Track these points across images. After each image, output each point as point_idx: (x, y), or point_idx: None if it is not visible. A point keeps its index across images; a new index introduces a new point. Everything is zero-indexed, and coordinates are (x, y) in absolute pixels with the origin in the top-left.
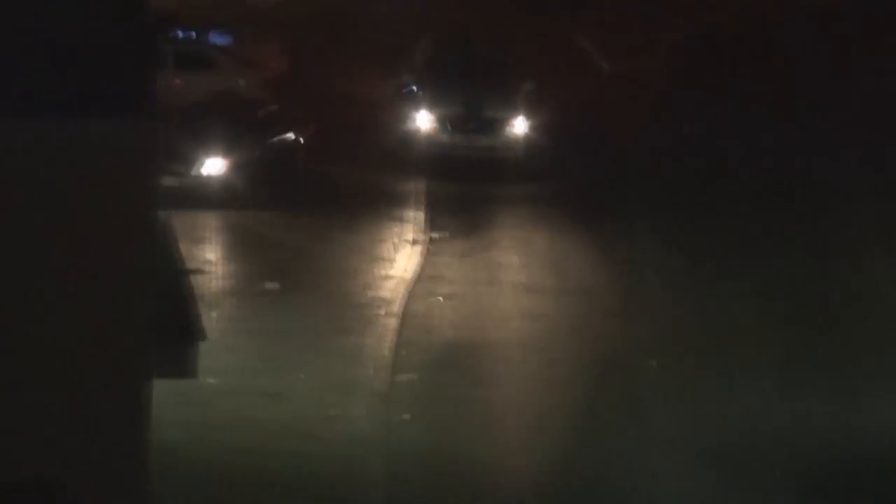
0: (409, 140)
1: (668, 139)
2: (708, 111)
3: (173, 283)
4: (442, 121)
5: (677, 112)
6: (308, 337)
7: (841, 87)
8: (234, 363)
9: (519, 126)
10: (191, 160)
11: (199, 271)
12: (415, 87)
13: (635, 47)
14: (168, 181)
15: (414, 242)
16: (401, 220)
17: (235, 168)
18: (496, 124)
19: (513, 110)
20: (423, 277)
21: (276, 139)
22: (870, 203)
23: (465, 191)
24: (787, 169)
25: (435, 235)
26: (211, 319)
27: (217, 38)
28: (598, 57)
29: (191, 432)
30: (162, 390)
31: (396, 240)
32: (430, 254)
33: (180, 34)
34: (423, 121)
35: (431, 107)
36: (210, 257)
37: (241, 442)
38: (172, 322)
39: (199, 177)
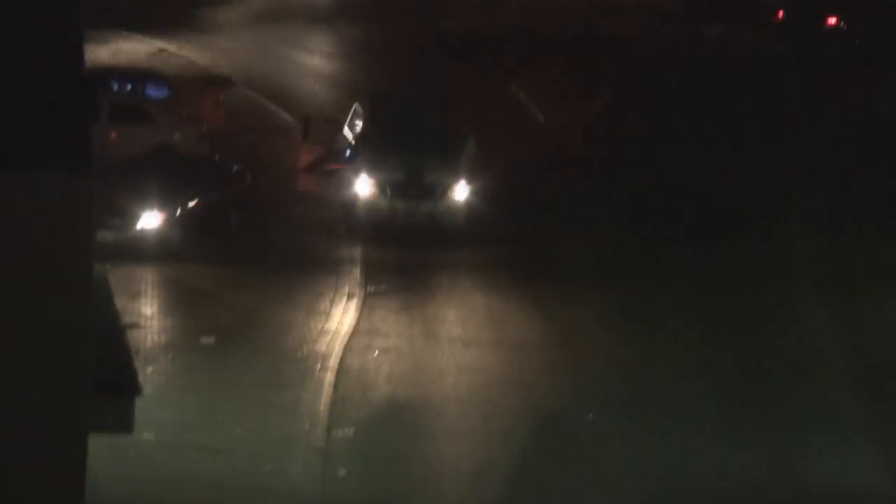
0: (348, 202)
1: (606, 196)
2: (647, 168)
3: (110, 338)
4: (382, 186)
5: (616, 169)
6: (245, 391)
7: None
8: (170, 418)
9: (460, 191)
10: (128, 214)
11: (136, 325)
12: (351, 151)
13: (574, 101)
14: (105, 235)
15: (350, 296)
16: (337, 274)
17: (172, 222)
18: (437, 189)
19: (453, 175)
20: (360, 331)
21: (212, 193)
22: (804, 253)
23: (405, 255)
24: (728, 222)
25: (371, 290)
26: (148, 374)
27: (154, 91)
28: (536, 109)
29: (128, 487)
30: (99, 445)
31: (333, 294)
32: (367, 308)
33: (116, 86)
34: (363, 185)
35: (371, 171)
36: (147, 311)
37: (178, 496)
38: (109, 376)
39: (136, 230)
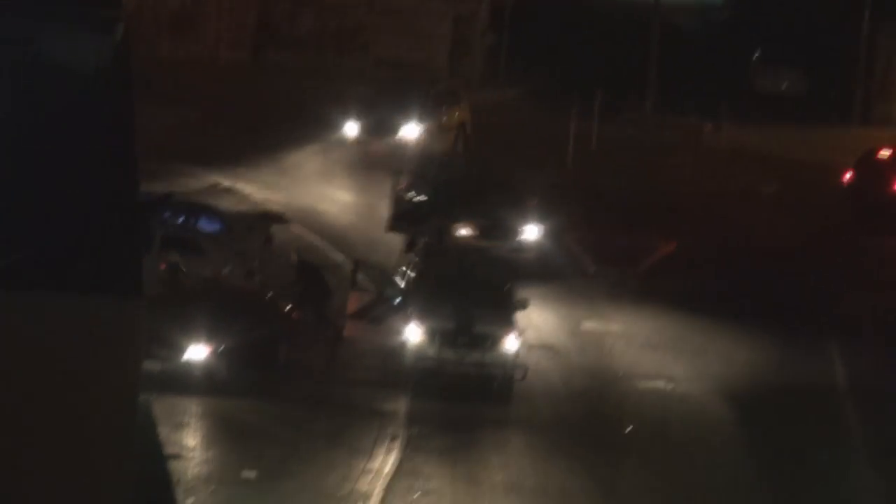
0: (396, 348)
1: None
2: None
3: (152, 466)
4: (431, 334)
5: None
6: None
7: None
8: None
9: (511, 343)
10: (174, 345)
11: (178, 456)
12: (400, 298)
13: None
14: (151, 364)
15: (393, 437)
16: (382, 415)
17: (218, 355)
18: (487, 340)
19: (504, 326)
20: (402, 472)
21: (260, 328)
22: None
23: (451, 403)
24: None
25: (415, 431)
26: None
27: (207, 225)
28: (585, 260)
29: None
30: None
31: (377, 434)
32: (410, 449)
33: (169, 217)
34: (412, 333)
35: (420, 319)
36: (189, 442)
37: None
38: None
39: (182, 362)
